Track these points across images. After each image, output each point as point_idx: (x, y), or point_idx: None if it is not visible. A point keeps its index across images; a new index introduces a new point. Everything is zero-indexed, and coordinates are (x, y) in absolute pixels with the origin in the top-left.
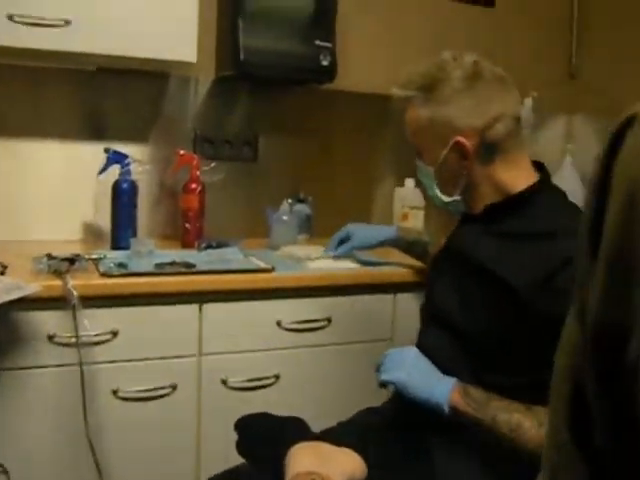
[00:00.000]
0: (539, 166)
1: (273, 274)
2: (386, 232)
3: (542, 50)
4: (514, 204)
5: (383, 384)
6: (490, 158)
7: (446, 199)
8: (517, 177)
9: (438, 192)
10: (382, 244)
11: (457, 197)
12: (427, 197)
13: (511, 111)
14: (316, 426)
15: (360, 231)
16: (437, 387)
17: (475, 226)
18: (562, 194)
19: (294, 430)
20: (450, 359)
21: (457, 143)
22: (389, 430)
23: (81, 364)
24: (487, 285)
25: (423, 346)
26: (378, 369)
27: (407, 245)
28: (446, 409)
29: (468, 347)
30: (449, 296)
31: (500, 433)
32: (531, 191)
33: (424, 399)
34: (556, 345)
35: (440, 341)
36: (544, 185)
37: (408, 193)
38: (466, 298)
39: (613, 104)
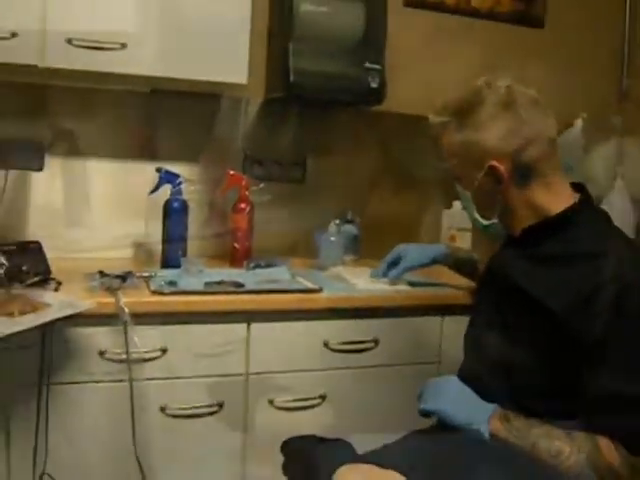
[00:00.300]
0: (579, 188)
1: (321, 294)
2: (437, 249)
3: (592, 71)
4: (552, 226)
5: (425, 414)
6: (525, 181)
7: (485, 222)
8: (555, 199)
9: (477, 215)
10: (434, 261)
11: (495, 220)
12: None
13: (545, 134)
14: (362, 448)
15: (411, 251)
16: (477, 414)
17: (513, 249)
18: (604, 215)
19: (341, 453)
20: (489, 385)
21: (491, 167)
22: (436, 453)
23: (131, 380)
24: (523, 307)
25: (464, 372)
26: (419, 398)
27: (457, 262)
28: (486, 435)
29: (507, 373)
30: (489, 322)
31: (541, 459)
32: (570, 212)
33: (465, 425)
34: (590, 368)
35: (480, 367)
36: (584, 206)
37: (456, 215)
38: (505, 322)
39: None
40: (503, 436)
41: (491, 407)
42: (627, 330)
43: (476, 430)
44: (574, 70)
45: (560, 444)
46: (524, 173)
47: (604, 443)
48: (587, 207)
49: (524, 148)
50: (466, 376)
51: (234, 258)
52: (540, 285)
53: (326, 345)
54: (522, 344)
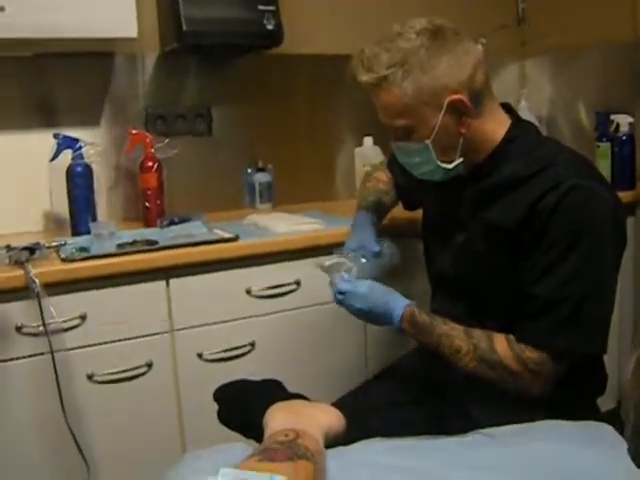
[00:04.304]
0: (505, 106)
1: (238, 242)
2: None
3: None
4: (497, 158)
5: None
6: (479, 109)
7: (449, 166)
8: (498, 124)
9: (438, 162)
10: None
11: (459, 160)
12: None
13: (479, 57)
14: (295, 389)
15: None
16: (394, 304)
17: (466, 187)
18: (534, 127)
19: (270, 392)
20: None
21: (452, 102)
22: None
23: (52, 352)
24: (484, 239)
25: (435, 310)
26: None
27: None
28: (401, 311)
29: (472, 300)
30: (451, 259)
31: (443, 356)
32: (511, 137)
33: (383, 311)
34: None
35: (451, 305)
36: (519, 126)
37: (368, 151)
38: (467, 255)
39: (561, 45)
40: (410, 333)
41: (405, 301)
42: (559, 227)
43: (390, 317)
44: None
45: (459, 342)
46: (478, 101)
47: (499, 340)
48: (521, 126)
49: (474, 74)
50: (438, 313)
51: (147, 218)
52: (493, 211)
53: (248, 292)
54: (483, 270)
